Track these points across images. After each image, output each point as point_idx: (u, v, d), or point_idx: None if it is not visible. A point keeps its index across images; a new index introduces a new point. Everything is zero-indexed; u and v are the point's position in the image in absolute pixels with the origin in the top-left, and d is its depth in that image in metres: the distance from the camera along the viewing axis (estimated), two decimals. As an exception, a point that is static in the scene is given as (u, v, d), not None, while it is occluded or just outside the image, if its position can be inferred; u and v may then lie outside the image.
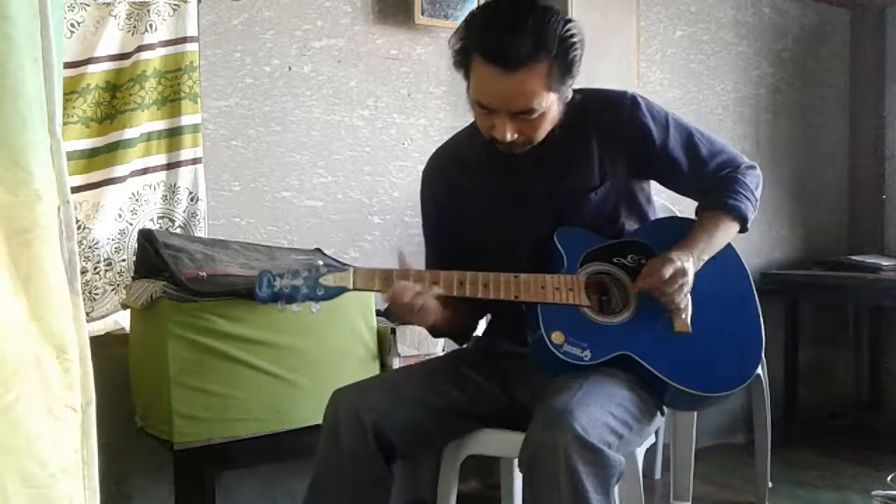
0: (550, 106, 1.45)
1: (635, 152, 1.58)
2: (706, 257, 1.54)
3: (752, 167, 1.65)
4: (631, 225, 1.63)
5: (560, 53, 1.39)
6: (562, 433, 1.24)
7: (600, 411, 1.30)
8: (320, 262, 1.44)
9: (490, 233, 1.62)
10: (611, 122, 1.57)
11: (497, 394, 1.59)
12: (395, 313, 1.49)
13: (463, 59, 1.44)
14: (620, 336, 1.47)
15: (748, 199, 1.59)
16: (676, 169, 1.61)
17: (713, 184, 1.62)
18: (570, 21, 1.43)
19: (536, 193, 1.58)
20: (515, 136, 1.45)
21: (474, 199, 1.63)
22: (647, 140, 1.58)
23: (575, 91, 1.55)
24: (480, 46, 1.39)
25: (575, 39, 1.41)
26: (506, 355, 1.64)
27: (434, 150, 1.75)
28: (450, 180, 1.67)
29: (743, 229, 1.61)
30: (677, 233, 1.57)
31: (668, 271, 1.45)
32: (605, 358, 1.44)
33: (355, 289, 1.42)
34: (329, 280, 1.41)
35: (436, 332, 1.64)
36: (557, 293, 1.47)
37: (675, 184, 1.67)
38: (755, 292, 1.60)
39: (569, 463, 1.23)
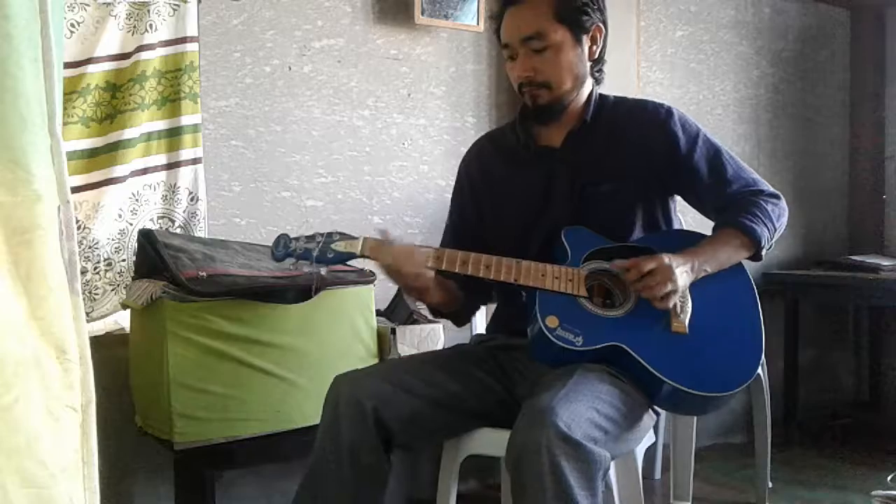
0: (563, 43, 1.56)
1: (660, 160, 1.62)
2: (709, 269, 1.54)
3: (777, 196, 1.64)
4: (644, 233, 1.64)
5: None
6: (545, 430, 1.24)
7: (584, 407, 1.30)
8: (335, 230, 1.54)
9: (510, 217, 1.68)
10: (641, 126, 1.64)
11: (497, 389, 1.59)
12: (395, 280, 1.57)
13: (499, 26, 1.62)
14: (615, 328, 1.47)
15: (765, 224, 1.57)
16: (697, 182, 1.63)
17: (732, 203, 1.61)
18: None
19: (561, 180, 1.63)
20: (532, 73, 1.56)
21: (504, 183, 1.70)
22: (673, 149, 1.62)
23: (614, 97, 1.68)
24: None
25: None
26: (506, 349, 1.64)
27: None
28: (485, 163, 1.76)
29: (756, 256, 1.59)
30: (686, 244, 1.56)
31: (649, 265, 1.47)
32: (597, 346, 1.44)
33: (362, 255, 1.51)
34: (340, 246, 1.51)
35: (432, 309, 1.73)
36: (556, 282, 1.49)
37: (695, 198, 1.68)
38: (758, 300, 1.58)
39: (552, 460, 1.22)
